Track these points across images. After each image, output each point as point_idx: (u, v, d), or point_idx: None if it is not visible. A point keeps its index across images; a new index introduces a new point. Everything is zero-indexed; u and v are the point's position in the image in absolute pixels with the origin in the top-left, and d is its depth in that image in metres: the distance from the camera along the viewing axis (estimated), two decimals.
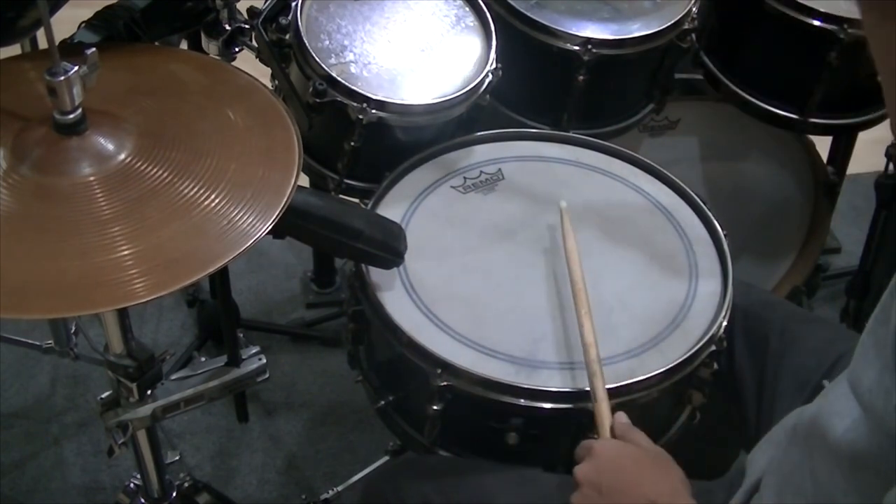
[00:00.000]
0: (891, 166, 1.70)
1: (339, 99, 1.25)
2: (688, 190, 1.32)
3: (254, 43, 1.35)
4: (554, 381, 1.08)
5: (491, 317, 1.15)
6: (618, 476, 0.94)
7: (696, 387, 1.16)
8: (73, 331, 1.69)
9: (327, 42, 1.31)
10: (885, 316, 0.76)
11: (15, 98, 1.00)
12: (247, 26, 1.36)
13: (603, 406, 1.02)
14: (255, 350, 1.28)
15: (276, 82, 1.34)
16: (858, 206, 2.27)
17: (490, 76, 1.32)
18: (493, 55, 1.33)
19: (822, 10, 1.50)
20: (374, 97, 1.25)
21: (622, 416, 1.01)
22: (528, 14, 1.42)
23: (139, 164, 0.94)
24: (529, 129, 1.42)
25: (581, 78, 1.42)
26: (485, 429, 1.10)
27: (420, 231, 1.23)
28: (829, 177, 1.84)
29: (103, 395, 1.16)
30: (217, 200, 0.91)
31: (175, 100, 1.05)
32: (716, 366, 1.15)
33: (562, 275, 1.20)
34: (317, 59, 1.26)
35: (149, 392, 1.16)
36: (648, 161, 1.36)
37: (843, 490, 0.78)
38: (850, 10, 1.52)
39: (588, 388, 1.04)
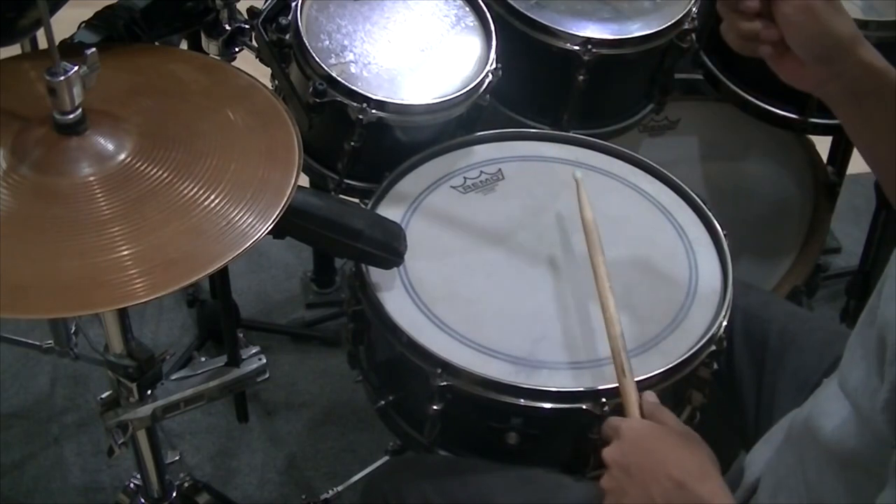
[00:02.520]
0: None
1: (339, 99, 1.25)
2: (688, 190, 1.32)
3: (254, 43, 1.35)
4: (554, 381, 1.08)
5: (491, 317, 1.15)
6: (645, 457, 0.92)
7: (696, 387, 1.16)
8: (73, 331, 1.69)
9: (327, 42, 1.31)
10: (871, 318, 0.76)
11: (15, 98, 1.00)
12: (247, 26, 1.36)
13: (629, 383, 1.00)
14: (255, 350, 1.28)
15: (276, 82, 1.34)
16: (858, 206, 2.27)
17: (490, 76, 1.32)
18: (493, 55, 1.33)
19: None
20: (374, 97, 1.25)
21: (650, 395, 1.00)
22: (528, 14, 1.42)
23: (139, 164, 0.94)
24: (529, 129, 1.42)
25: (581, 78, 1.42)
26: (485, 429, 1.10)
27: (420, 231, 1.23)
28: (829, 177, 1.84)
29: (103, 395, 1.17)
30: (217, 201, 0.91)
31: (175, 100, 1.05)
32: (716, 366, 1.15)
33: (561, 274, 1.20)
34: (317, 59, 1.26)
35: (149, 392, 1.16)
36: (648, 161, 1.36)
37: (832, 489, 0.79)
38: (850, 11, 1.52)
39: (595, 387, 1.05)
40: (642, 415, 0.99)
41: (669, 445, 0.93)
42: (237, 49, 1.38)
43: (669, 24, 1.45)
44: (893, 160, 0.98)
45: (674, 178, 1.34)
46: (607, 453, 0.94)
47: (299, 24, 1.28)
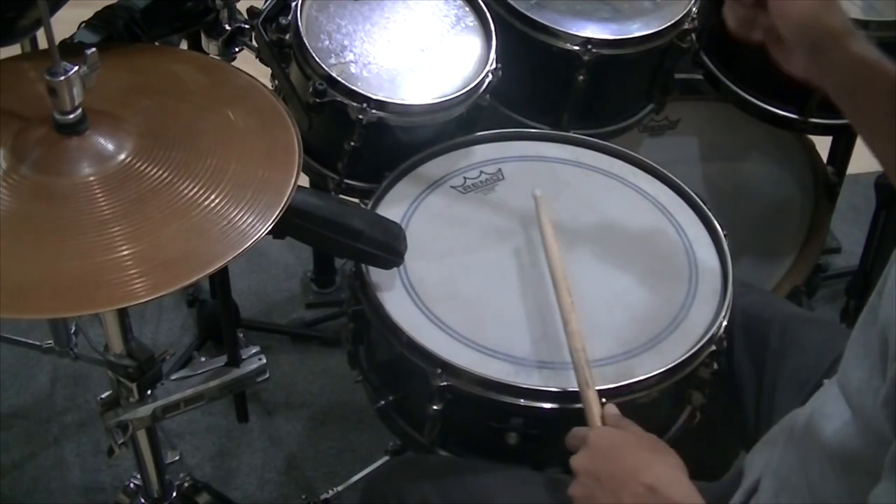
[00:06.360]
0: None
1: (339, 99, 1.25)
2: (688, 190, 1.32)
3: (254, 43, 1.35)
4: (554, 381, 1.08)
5: (491, 317, 1.15)
6: (615, 464, 0.93)
7: (696, 387, 1.16)
8: (73, 331, 1.69)
9: (327, 42, 1.31)
10: (872, 317, 0.76)
11: (15, 98, 1.00)
12: (247, 26, 1.36)
13: (592, 394, 1.01)
14: (255, 350, 1.28)
15: (276, 82, 1.34)
16: (858, 206, 2.27)
17: (490, 76, 1.32)
18: (493, 55, 1.33)
19: None
20: (374, 97, 1.25)
21: (612, 408, 1.01)
22: (528, 14, 1.42)
23: (139, 164, 0.94)
24: (529, 129, 1.42)
25: (581, 78, 1.42)
26: (485, 429, 1.10)
27: (420, 231, 1.23)
28: (829, 177, 1.84)
29: (103, 395, 1.17)
30: (217, 200, 0.91)
31: (175, 100, 1.05)
32: (716, 366, 1.15)
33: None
34: (317, 59, 1.26)
35: (149, 392, 1.16)
36: (648, 161, 1.36)
37: (834, 492, 0.79)
38: (850, 10, 1.52)
39: (595, 387, 1.04)
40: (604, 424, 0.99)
41: (637, 451, 0.95)
42: (237, 49, 1.38)
43: (669, 24, 1.45)
44: (891, 151, 0.99)
45: (674, 178, 1.34)
46: (575, 461, 0.95)
47: (299, 24, 1.28)
